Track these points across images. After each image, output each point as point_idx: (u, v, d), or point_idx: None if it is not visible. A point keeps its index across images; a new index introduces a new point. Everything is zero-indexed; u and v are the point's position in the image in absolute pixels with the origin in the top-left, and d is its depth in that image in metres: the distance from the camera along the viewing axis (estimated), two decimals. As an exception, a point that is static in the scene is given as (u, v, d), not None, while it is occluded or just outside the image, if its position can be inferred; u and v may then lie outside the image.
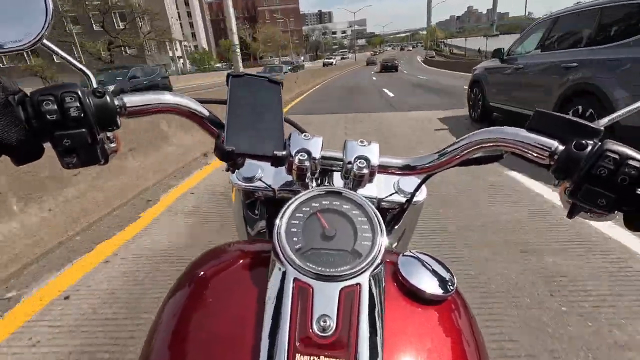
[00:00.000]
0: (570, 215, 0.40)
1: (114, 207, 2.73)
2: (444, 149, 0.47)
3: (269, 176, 0.67)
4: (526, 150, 0.40)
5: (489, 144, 0.43)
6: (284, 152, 0.44)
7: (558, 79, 3.56)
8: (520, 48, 4.70)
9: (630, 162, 0.33)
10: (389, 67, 27.13)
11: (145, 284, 1.83)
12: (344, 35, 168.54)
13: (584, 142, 0.36)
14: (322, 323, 0.30)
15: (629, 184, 0.33)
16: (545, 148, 0.39)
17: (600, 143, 0.35)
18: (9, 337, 1.52)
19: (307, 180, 0.48)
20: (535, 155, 0.40)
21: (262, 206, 0.72)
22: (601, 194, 0.34)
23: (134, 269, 1.97)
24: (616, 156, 0.34)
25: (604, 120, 0.38)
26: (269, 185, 0.65)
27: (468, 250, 2.00)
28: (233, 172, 0.54)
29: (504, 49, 4.91)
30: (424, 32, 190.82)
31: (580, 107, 3.21)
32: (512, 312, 1.50)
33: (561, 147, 0.38)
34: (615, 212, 0.36)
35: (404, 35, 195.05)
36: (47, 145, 0.38)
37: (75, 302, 1.71)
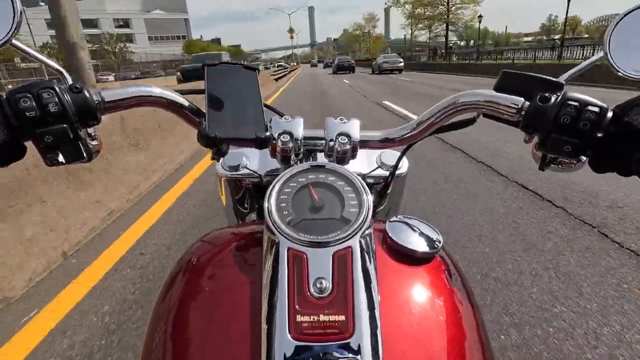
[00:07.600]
0: (542, 167, 0.43)
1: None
2: (420, 118, 0.49)
3: (254, 163, 0.68)
4: (496, 109, 0.43)
5: (461, 108, 0.45)
6: (266, 134, 0.45)
7: None
8: None
9: (589, 107, 0.36)
10: (345, 67, 27.90)
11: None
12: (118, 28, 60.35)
13: (547, 95, 0.38)
14: (318, 285, 0.31)
15: (589, 128, 0.36)
16: (512, 106, 0.41)
17: (561, 94, 0.38)
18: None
19: (291, 162, 0.48)
20: (505, 113, 0.42)
21: (250, 197, 0.72)
22: (567, 141, 0.37)
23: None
24: (576, 103, 0.36)
25: (565, 76, 0.41)
26: (255, 172, 0.66)
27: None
28: (218, 160, 0.54)
29: None
30: (307, 50, 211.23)
31: None
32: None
33: (528, 103, 0.40)
34: (583, 160, 0.40)
35: (283, 54, 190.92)
36: (30, 145, 0.37)
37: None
